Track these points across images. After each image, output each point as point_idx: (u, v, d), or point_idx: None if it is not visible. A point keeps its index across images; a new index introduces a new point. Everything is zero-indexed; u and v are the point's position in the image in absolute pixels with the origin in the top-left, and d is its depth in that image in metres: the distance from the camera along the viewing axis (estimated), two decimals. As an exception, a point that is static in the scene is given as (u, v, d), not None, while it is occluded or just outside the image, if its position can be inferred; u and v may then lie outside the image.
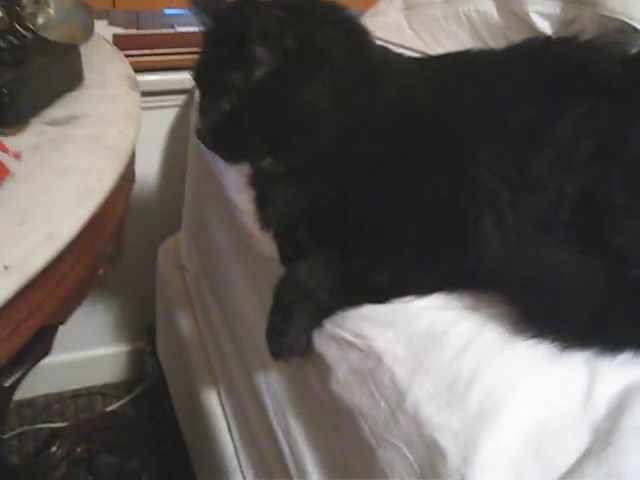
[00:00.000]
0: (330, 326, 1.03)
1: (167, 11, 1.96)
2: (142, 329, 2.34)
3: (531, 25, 1.40)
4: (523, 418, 0.83)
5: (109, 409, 2.35)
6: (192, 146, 1.83)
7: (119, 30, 1.88)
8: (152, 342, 2.24)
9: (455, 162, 1.00)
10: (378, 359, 0.95)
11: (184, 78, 1.90)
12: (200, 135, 1.05)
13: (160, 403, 2.20)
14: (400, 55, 1.12)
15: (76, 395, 2.41)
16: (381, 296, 1.02)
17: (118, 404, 2.36)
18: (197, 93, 1.74)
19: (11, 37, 1.11)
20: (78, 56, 1.22)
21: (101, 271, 1.09)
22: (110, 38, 1.79)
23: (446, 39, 1.61)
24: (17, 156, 0.95)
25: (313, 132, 1.01)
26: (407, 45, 1.63)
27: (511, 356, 0.89)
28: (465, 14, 1.56)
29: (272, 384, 1.26)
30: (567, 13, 1.35)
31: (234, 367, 1.50)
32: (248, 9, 0.99)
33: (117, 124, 1.14)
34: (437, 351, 0.92)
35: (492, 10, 1.51)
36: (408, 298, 1.01)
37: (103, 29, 1.76)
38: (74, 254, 0.94)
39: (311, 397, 1.11)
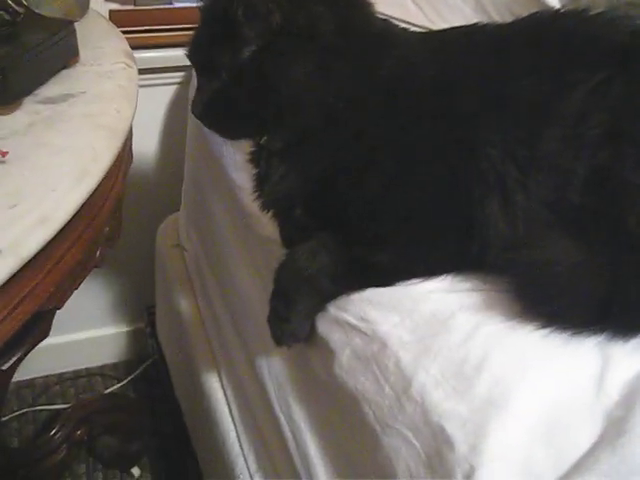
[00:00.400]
0: (334, 310, 1.01)
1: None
2: (142, 310, 2.33)
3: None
4: (533, 405, 0.81)
5: (109, 390, 2.34)
6: (191, 124, 1.81)
7: (115, 6, 1.84)
8: (152, 323, 2.23)
9: (459, 139, 0.97)
10: (383, 343, 0.93)
11: (182, 55, 1.89)
12: (194, 111, 1.04)
13: (160, 384, 2.18)
14: (404, 29, 1.09)
15: (76, 376, 2.39)
16: (384, 279, 1.00)
17: (118, 385, 2.35)
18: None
19: (2, 12, 1.09)
20: (73, 32, 1.19)
21: (99, 253, 1.07)
22: (106, 14, 1.75)
23: (450, 14, 1.58)
24: (3, 154, 0.92)
25: (301, 110, 0.99)
26: (410, 20, 1.60)
27: (520, 341, 0.87)
28: (470, -13, 1.53)
29: (274, 368, 1.24)
30: (576, -14, 1.33)
31: (235, 350, 1.48)
32: None
33: (113, 102, 1.11)
34: (444, 335, 0.89)
35: (498, -17, 1.48)
36: (413, 281, 0.98)
37: (99, 5, 1.72)
38: (70, 236, 0.91)
39: (314, 382, 1.09)
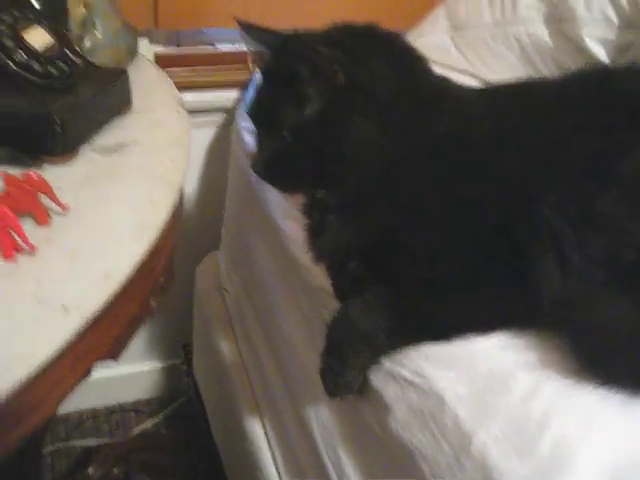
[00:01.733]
0: (389, 363, 1.00)
1: (207, 29, 1.94)
2: (176, 346, 2.34)
3: (585, 50, 1.39)
4: (597, 467, 0.80)
5: (142, 426, 2.34)
6: (233, 167, 1.82)
7: (160, 48, 1.86)
8: (188, 361, 2.23)
9: (515, 196, 0.97)
10: (440, 400, 0.92)
11: (224, 96, 1.92)
12: (255, 168, 1.05)
13: (194, 422, 2.19)
14: (460, 85, 1.10)
15: (109, 412, 2.40)
16: (439, 335, 0.99)
17: (152, 421, 2.35)
18: (238, 113, 1.74)
19: (62, 63, 1.10)
20: (127, 81, 1.20)
21: (153, 303, 1.07)
22: (151, 57, 1.77)
23: (494, 61, 1.59)
24: (64, 208, 0.93)
25: (363, 166, 1.00)
26: (452, 65, 1.62)
27: (581, 401, 0.87)
28: (515, 37, 1.54)
29: (322, 416, 1.24)
30: (623, 39, 1.33)
31: (279, 394, 1.48)
32: (299, 46, 1.00)
33: (168, 151, 1.12)
34: (503, 393, 0.89)
35: (544, 33, 1.49)
36: (469, 337, 0.98)
37: (144, 48, 1.74)
38: (128, 290, 0.91)
39: (365, 432, 1.08)
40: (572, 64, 1.41)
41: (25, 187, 0.91)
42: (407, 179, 1.00)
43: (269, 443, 1.51)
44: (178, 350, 2.33)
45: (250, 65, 1.86)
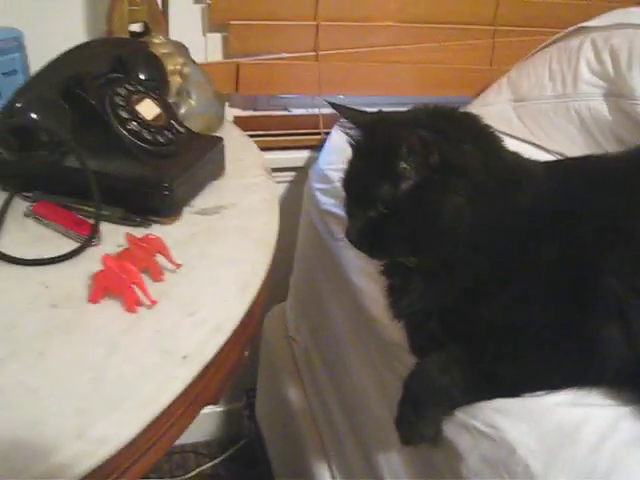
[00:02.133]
0: (462, 415, 1.07)
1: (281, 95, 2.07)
2: (238, 391, 2.41)
3: (642, 124, 1.47)
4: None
5: (202, 468, 2.41)
6: (305, 223, 1.91)
7: (238, 111, 1.99)
8: (251, 406, 2.31)
9: (583, 268, 1.04)
10: (512, 449, 0.99)
11: (295, 156, 2.02)
12: (349, 237, 1.13)
13: (253, 465, 2.25)
14: (529, 160, 1.18)
15: (170, 452, 2.43)
16: (511, 391, 1.06)
17: (211, 463, 2.42)
18: (311, 174, 1.84)
19: (168, 132, 1.21)
20: (223, 149, 1.32)
21: (247, 353, 1.17)
22: (231, 119, 1.89)
23: (555, 132, 1.68)
24: (178, 266, 1.04)
25: (453, 238, 1.07)
26: (514, 134, 1.72)
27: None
28: (575, 110, 1.63)
29: (393, 463, 1.30)
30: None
31: (348, 443, 1.54)
32: (396, 127, 1.08)
33: (261, 215, 1.23)
34: (571, 446, 0.96)
35: (603, 108, 1.59)
36: (539, 393, 1.05)
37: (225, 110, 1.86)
38: (232, 342, 1.01)
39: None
40: (630, 137, 1.51)
41: (144, 246, 1.02)
42: (489, 249, 1.08)
43: (337, 488, 1.58)
44: (239, 394, 2.42)
45: (321, 128, 1.98)
